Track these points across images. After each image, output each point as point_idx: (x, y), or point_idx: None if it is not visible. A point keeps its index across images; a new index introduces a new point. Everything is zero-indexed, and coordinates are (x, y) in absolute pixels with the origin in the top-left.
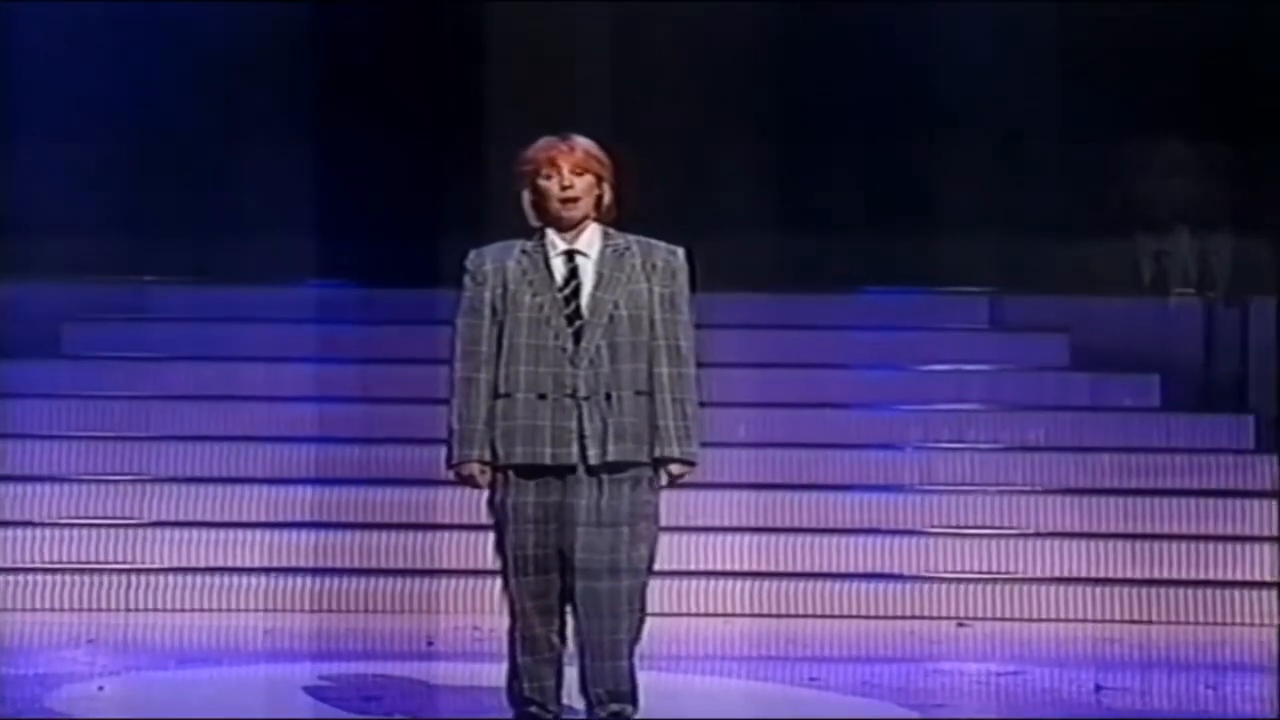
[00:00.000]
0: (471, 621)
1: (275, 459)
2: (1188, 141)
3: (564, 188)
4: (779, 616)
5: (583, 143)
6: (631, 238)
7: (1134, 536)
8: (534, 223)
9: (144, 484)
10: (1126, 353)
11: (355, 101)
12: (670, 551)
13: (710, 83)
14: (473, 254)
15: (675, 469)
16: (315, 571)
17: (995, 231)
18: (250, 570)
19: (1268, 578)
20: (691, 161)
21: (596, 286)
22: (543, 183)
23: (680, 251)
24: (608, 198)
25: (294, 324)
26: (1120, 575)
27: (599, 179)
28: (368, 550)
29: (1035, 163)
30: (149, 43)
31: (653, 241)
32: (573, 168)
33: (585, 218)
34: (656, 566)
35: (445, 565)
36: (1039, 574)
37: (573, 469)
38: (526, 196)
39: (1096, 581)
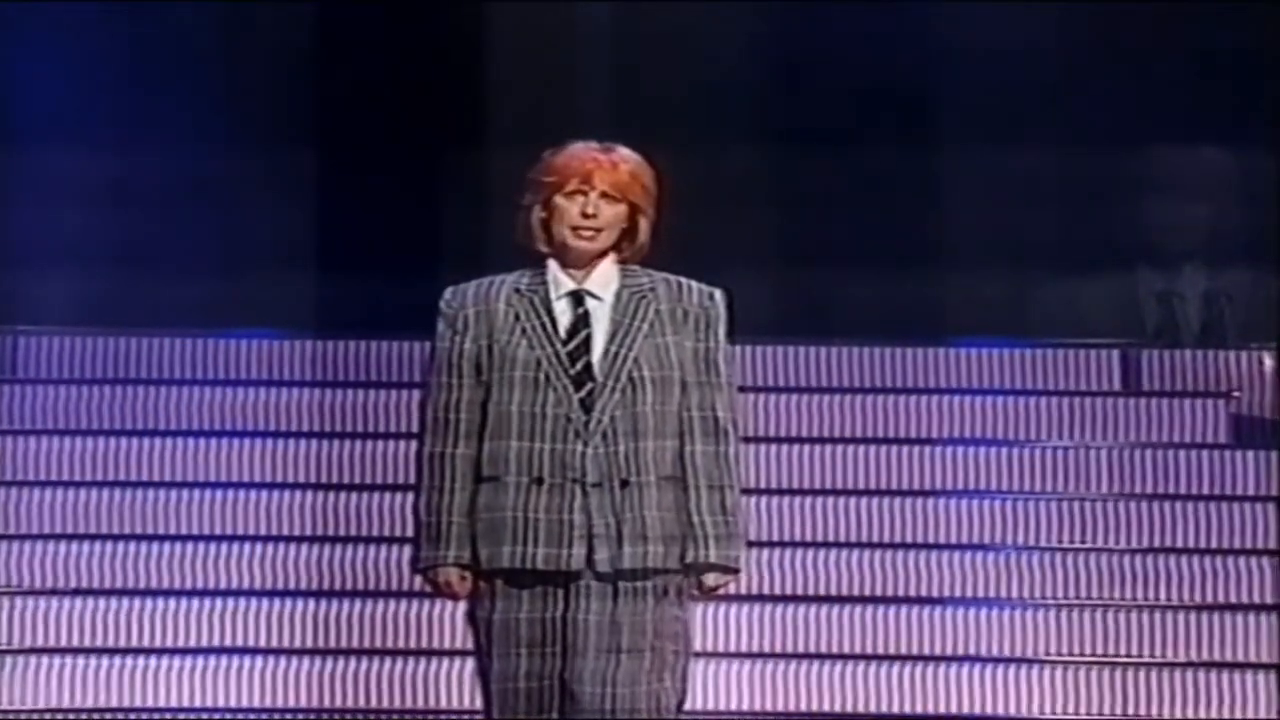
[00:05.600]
0: None
1: (193, 562)
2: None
3: (586, 214)
4: None
5: (630, 160)
6: (657, 276)
7: None
8: (541, 247)
9: (12, 597)
10: None
11: (312, 106)
12: (704, 685)
13: (736, 86)
14: (449, 293)
15: (712, 579)
16: (225, 711)
17: (1126, 264)
18: (147, 710)
19: None
20: (710, 178)
21: (611, 340)
22: (561, 200)
23: (719, 295)
24: (643, 234)
25: (222, 385)
26: None
27: (635, 210)
28: (313, 682)
29: (1170, 173)
30: (66, 45)
31: (684, 281)
32: (609, 189)
33: (603, 255)
34: (687, 704)
35: (409, 702)
36: (1190, 715)
37: (576, 575)
38: (536, 214)
39: None
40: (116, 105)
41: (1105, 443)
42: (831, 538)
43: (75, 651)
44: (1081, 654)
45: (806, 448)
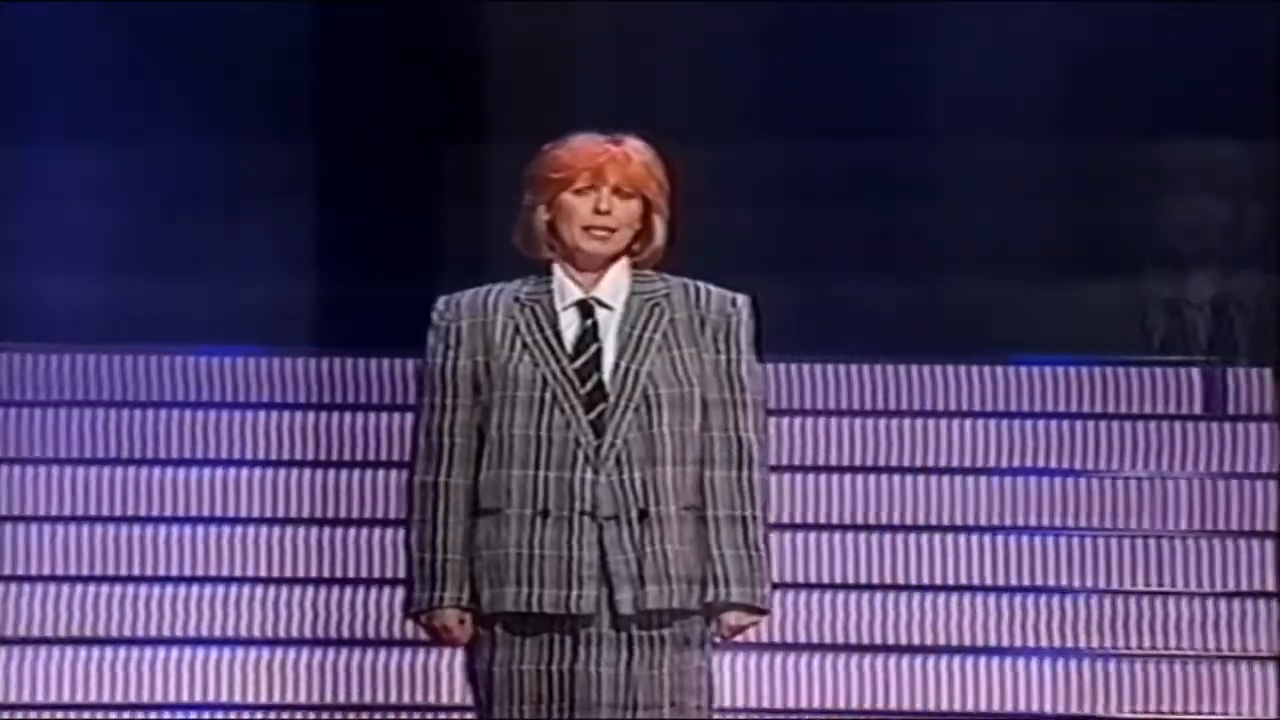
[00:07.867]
0: None
1: (173, 602)
2: None
3: (599, 211)
4: None
5: (643, 152)
6: (674, 280)
7: None
8: (545, 252)
9: None
10: None
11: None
12: None
13: (738, 84)
14: (442, 303)
15: (734, 619)
16: None
17: (1209, 267)
18: None
19: None
20: (711, 178)
21: (621, 354)
22: (570, 198)
23: (741, 300)
24: (659, 236)
25: (204, 408)
26: None
27: (649, 206)
28: None
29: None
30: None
31: (702, 285)
32: (621, 183)
33: (615, 258)
34: None
35: None
36: None
37: (587, 621)
38: (541, 215)
39: None
40: (103, 106)
41: (1185, 473)
42: (875, 580)
43: (53, 708)
44: (1159, 711)
45: (845, 476)
